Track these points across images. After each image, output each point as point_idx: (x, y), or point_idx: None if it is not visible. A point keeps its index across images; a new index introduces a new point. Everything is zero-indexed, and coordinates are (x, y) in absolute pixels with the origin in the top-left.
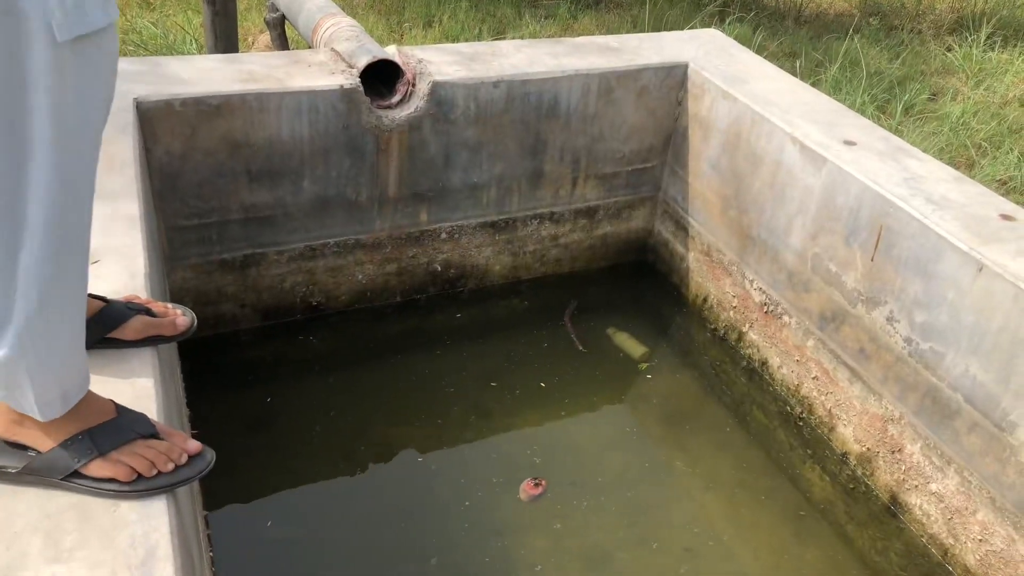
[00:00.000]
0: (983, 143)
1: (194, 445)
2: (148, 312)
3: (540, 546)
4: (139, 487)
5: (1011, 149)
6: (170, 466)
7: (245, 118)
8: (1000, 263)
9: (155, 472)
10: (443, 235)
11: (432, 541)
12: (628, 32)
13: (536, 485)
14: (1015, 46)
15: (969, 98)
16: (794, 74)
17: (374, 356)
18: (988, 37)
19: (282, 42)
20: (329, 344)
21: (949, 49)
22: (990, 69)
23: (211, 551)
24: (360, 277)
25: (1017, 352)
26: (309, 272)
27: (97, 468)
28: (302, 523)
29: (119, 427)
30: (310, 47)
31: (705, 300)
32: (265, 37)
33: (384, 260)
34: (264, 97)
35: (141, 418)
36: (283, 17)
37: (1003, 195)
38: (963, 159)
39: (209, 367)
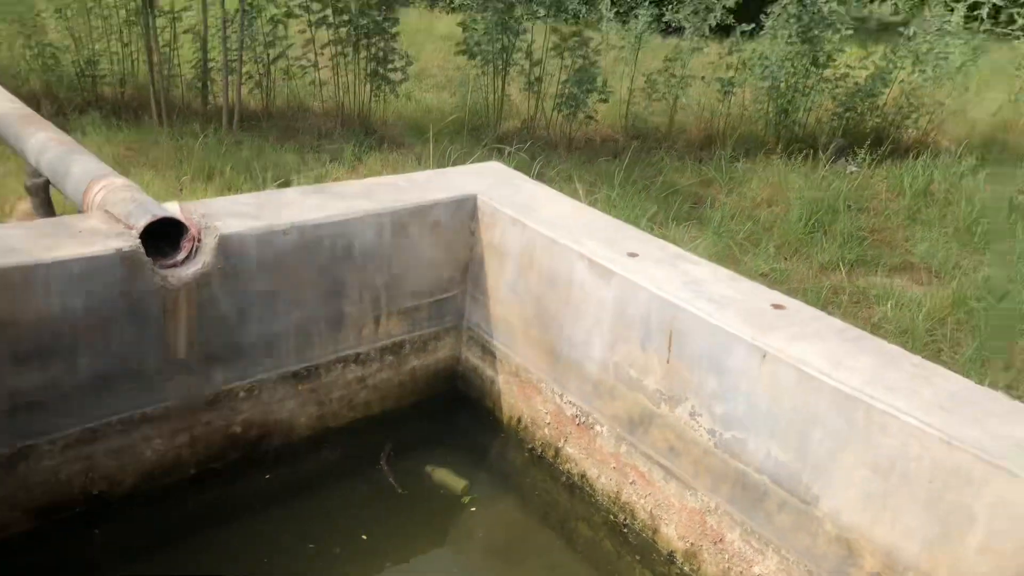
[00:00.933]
0: (744, 241)
1: None
2: None
3: None
4: None
5: (767, 245)
6: None
7: (6, 295)
8: (780, 348)
9: None
10: (241, 394)
11: None
12: (414, 170)
13: None
14: (756, 158)
15: (725, 204)
16: (575, 197)
17: (171, 540)
18: (732, 150)
19: (47, 209)
20: (118, 535)
21: (701, 161)
22: (739, 178)
23: None
24: (148, 454)
25: (808, 428)
26: (88, 458)
27: None
28: None
29: None
30: (80, 212)
31: (519, 420)
32: (25, 204)
33: (174, 431)
34: (27, 270)
35: None
36: (47, 182)
37: (769, 286)
38: (729, 257)
39: None
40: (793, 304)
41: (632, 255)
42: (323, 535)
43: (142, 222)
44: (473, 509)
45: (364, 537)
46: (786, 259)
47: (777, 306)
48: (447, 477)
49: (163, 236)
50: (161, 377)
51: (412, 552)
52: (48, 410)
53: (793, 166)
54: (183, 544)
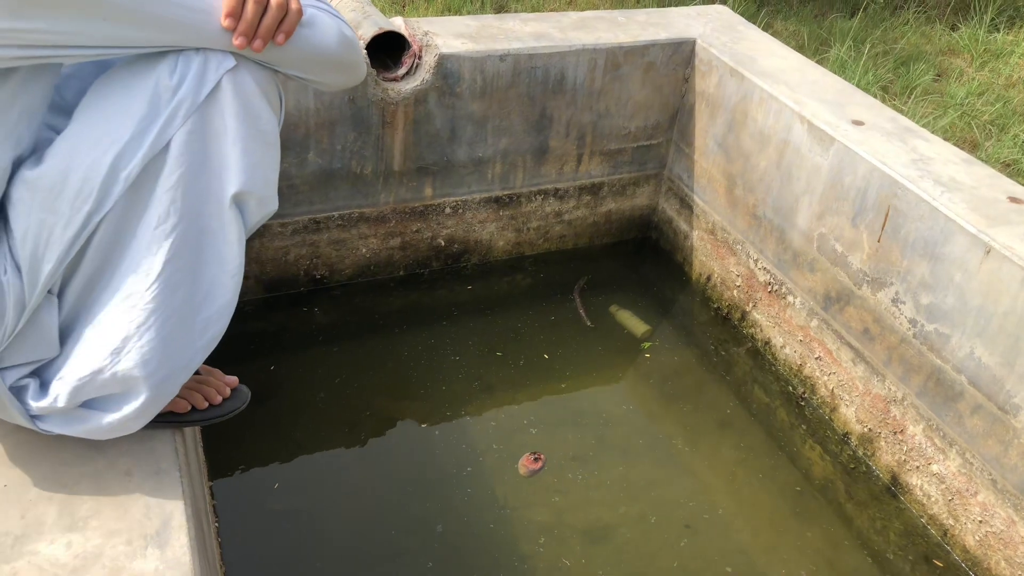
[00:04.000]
0: (988, 125)
1: (232, 380)
2: None
3: (541, 520)
4: (194, 417)
5: (1016, 132)
6: (219, 399)
7: None
8: (1008, 245)
9: (206, 405)
10: (447, 210)
11: (435, 512)
12: (633, 7)
13: (536, 460)
14: (1021, 27)
15: (974, 79)
16: (800, 52)
17: (377, 329)
18: (994, 18)
19: None
20: (332, 317)
21: (954, 28)
22: (995, 50)
23: (216, 521)
24: (364, 250)
25: (1022, 335)
26: (313, 245)
27: None
28: (305, 493)
29: None
30: None
31: (709, 279)
32: None
33: (388, 234)
34: None
35: None
36: None
37: (1008, 177)
38: (967, 141)
39: None
40: None
41: (857, 123)
42: (509, 348)
43: (369, 33)
44: (651, 355)
45: (546, 356)
46: None
47: (1015, 199)
48: (630, 320)
49: (386, 49)
50: (378, 182)
51: (588, 382)
52: (280, 197)
53: None
54: (388, 332)
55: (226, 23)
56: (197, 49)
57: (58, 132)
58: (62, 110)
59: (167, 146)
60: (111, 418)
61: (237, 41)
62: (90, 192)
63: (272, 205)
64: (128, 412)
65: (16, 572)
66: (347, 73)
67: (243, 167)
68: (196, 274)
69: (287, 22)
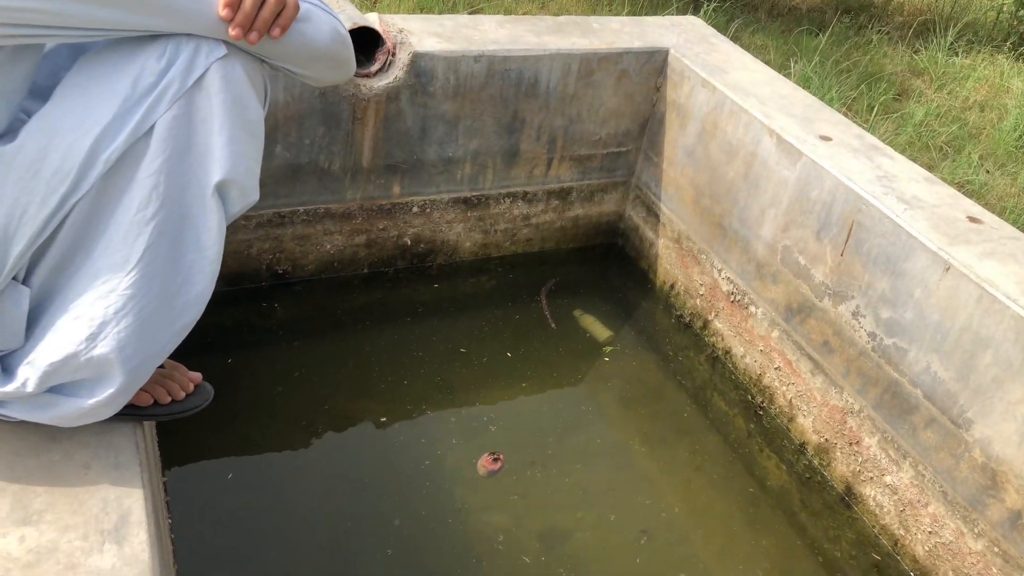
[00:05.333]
0: (944, 146)
1: (196, 376)
2: None
3: (498, 521)
4: (156, 412)
5: (970, 153)
6: (182, 394)
7: None
8: (967, 264)
9: (169, 400)
10: (415, 209)
11: (391, 509)
12: (606, 14)
13: (495, 460)
14: (978, 52)
15: (932, 100)
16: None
17: (339, 326)
18: (952, 42)
19: None
20: (293, 312)
21: (916, 51)
22: (953, 73)
23: (170, 518)
24: (328, 247)
25: (977, 351)
26: (276, 239)
27: None
28: (260, 489)
29: None
30: None
31: (672, 287)
32: None
33: (354, 231)
34: None
35: None
36: None
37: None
38: (924, 160)
39: None
40: (992, 220)
41: (824, 138)
42: (473, 346)
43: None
44: (612, 359)
45: (508, 355)
46: (988, 172)
47: (973, 219)
48: (593, 324)
49: (360, 45)
50: (345, 178)
51: (549, 384)
52: None
53: (1020, 68)
54: (350, 330)
55: (224, 13)
56: (189, 35)
57: (29, 114)
58: (32, 92)
59: (151, 130)
60: (82, 403)
61: (233, 32)
62: (68, 172)
63: (253, 195)
64: (102, 398)
65: None
66: (337, 69)
67: (227, 156)
68: (175, 261)
69: (284, 16)
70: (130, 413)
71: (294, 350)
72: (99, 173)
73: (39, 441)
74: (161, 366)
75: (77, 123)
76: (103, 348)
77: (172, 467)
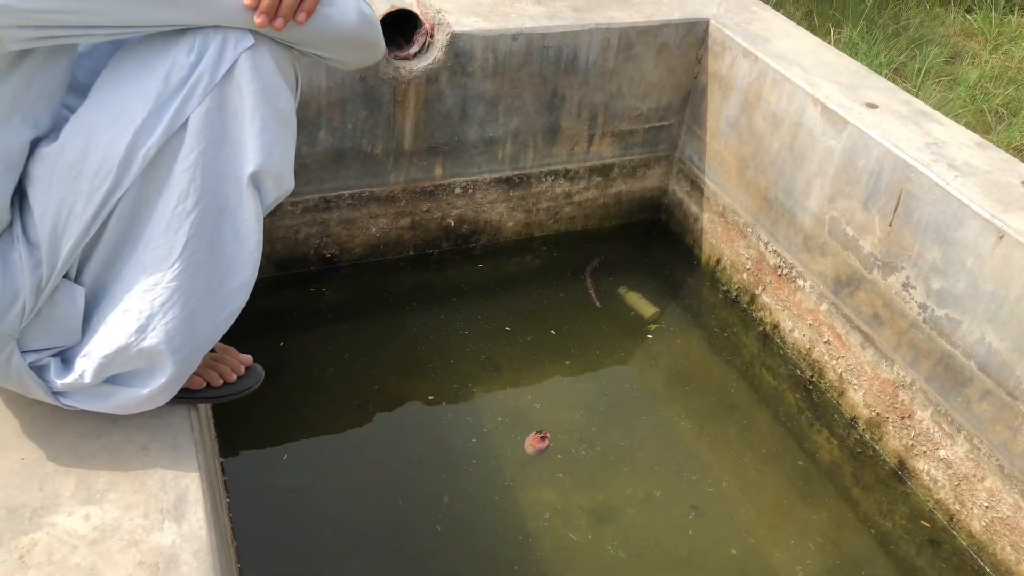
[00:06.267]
0: (1000, 108)
1: (247, 358)
2: None
3: (547, 498)
4: (209, 394)
5: None
6: (233, 377)
7: None
8: (1021, 230)
9: (221, 382)
10: (457, 190)
11: (441, 487)
12: None
13: (542, 438)
14: None
15: (987, 62)
16: (811, 33)
17: (386, 308)
18: (1008, 1)
19: None
20: (342, 295)
21: (969, 11)
22: (1009, 33)
23: (228, 497)
24: (374, 230)
25: None
26: (323, 224)
27: None
28: (314, 468)
29: None
30: None
31: (718, 262)
32: None
33: (398, 213)
34: None
35: None
36: None
37: (1021, 161)
38: (979, 124)
39: None
40: None
41: (871, 106)
42: (518, 324)
43: (382, 10)
44: (659, 336)
45: (553, 333)
46: None
47: None
48: (638, 302)
49: (398, 27)
50: (388, 161)
51: (595, 362)
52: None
53: None
54: (397, 311)
55: (248, 1)
56: (216, 27)
57: (72, 111)
58: (75, 90)
59: (185, 124)
60: (138, 393)
61: (258, 20)
62: (109, 170)
63: (288, 184)
64: (155, 387)
65: (35, 543)
66: (366, 52)
67: (260, 146)
68: (216, 252)
69: (308, 1)
70: (184, 396)
71: (343, 332)
72: (138, 170)
73: (100, 424)
74: (212, 350)
75: (113, 122)
76: (152, 339)
77: (229, 448)
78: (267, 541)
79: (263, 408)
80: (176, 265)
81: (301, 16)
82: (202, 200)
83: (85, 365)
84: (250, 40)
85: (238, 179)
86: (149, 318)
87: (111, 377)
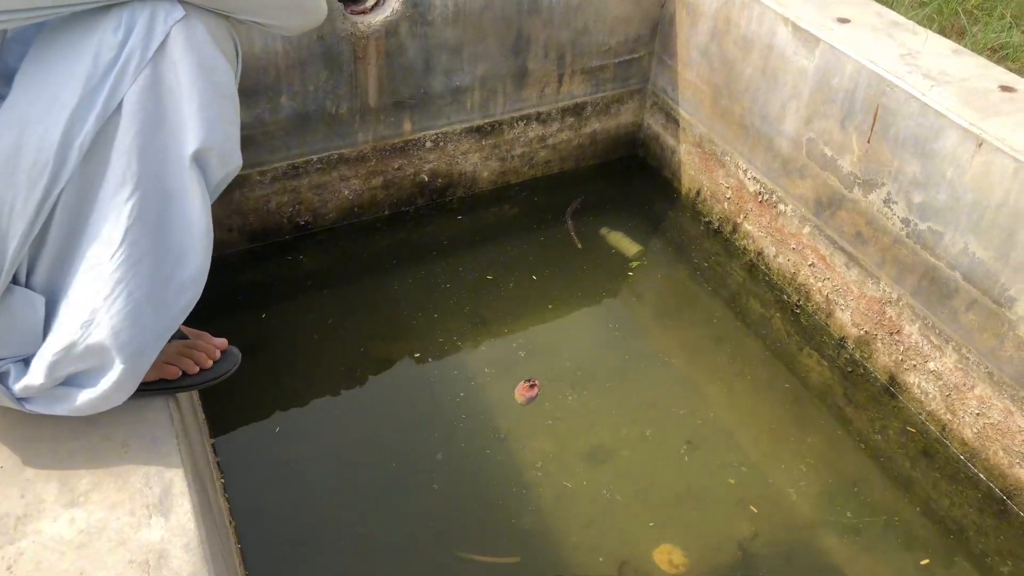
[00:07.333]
0: (974, 10)
1: (221, 342)
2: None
3: (540, 447)
4: (186, 383)
5: (1002, 14)
6: (209, 362)
7: None
8: (1000, 137)
9: (197, 370)
10: (428, 144)
11: (434, 445)
12: None
13: (531, 386)
14: None
15: None
16: None
17: (366, 270)
18: None
19: None
20: (320, 262)
21: None
22: None
23: (222, 477)
24: (346, 192)
25: (1016, 227)
26: (294, 191)
27: (148, 374)
28: (307, 438)
29: None
30: None
31: (698, 193)
32: None
33: (369, 173)
34: None
35: None
36: None
37: (996, 63)
38: (953, 27)
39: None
40: None
41: (843, 20)
42: (499, 273)
43: None
44: (644, 273)
45: (534, 278)
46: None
47: (1006, 88)
48: (621, 241)
49: None
50: (355, 121)
51: (580, 303)
52: (256, 144)
53: None
54: (377, 272)
55: None
56: (143, 0)
57: (2, 99)
58: (4, 76)
59: (119, 106)
60: (91, 394)
61: None
62: (46, 162)
63: (236, 161)
64: (106, 386)
65: (22, 552)
66: (305, 14)
67: (201, 122)
68: (161, 240)
69: None
70: (161, 388)
71: (325, 298)
72: (76, 159)
73: (77, 424)
74: (184, 336)
75: (45, 110)
76: (97, 335)
77: (220, 428)
78: (266, 516)
79: (252, 383)
80: (118, 254)
81: None
82: (141, 184)
83: (37, 366)
84: (180, 11)
85: (180, 159)
86: (93, 312)
87: (69, 379)
